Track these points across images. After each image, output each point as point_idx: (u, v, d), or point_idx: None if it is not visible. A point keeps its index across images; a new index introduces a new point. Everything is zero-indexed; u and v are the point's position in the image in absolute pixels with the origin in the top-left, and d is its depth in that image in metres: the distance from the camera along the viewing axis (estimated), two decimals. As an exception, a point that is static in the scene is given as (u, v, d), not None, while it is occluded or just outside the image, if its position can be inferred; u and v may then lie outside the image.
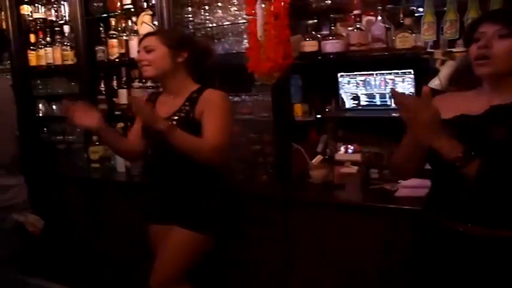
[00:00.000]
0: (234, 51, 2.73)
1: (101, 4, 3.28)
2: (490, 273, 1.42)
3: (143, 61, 2.14)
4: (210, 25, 2.85)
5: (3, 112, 2.09)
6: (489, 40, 1.43)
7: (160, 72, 2.14)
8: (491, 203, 1.40)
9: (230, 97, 2.29)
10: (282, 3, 2.34)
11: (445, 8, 2.21)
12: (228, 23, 2.79)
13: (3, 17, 3.58)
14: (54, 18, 3.53)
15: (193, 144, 2.04)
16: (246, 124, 2.65)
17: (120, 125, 3.21)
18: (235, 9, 2.78)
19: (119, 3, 3.17)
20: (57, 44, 3.47)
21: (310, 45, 2.51)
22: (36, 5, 3.56)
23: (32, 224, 2.14)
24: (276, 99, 2.59)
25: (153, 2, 2.98)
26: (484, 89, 1.52)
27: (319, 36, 2.56)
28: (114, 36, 3.19)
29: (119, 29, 3.20)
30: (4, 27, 3.59)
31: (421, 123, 1.33)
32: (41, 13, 3.55)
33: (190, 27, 2.90)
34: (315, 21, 2.65)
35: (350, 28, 2.49)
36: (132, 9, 3.10)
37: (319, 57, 2.50)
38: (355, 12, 2.47)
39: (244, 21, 2.66)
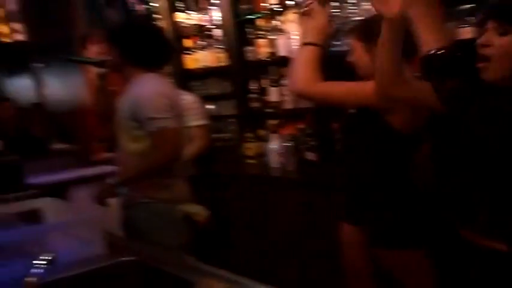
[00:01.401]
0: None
1: (248, 6, 3.41)
2: None
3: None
4: (356, 19, 2.82)
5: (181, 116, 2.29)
6: (489, 38, 1.25)
7: (361, 69, 1.85)
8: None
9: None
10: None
11: None
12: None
13: (162, 25, 3.90)
14: (206, 24, 3.74)
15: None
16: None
17: (273, 122, 3.32)
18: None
19: (265, 4, 3.27)
20: (210, 47, 3.71)
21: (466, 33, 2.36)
22: (189, 12, 3.81)
23: (198, 214, 2.30)
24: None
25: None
26: None
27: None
28: (262, 36, 3.31)
29: (266, 29, 3.31)
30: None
31: None
32: (194, 19, 3.80)
33: (336, 22, 2.88)
34: (473, 5, 2.47)
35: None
36: (278, 9, 3.18)
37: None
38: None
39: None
